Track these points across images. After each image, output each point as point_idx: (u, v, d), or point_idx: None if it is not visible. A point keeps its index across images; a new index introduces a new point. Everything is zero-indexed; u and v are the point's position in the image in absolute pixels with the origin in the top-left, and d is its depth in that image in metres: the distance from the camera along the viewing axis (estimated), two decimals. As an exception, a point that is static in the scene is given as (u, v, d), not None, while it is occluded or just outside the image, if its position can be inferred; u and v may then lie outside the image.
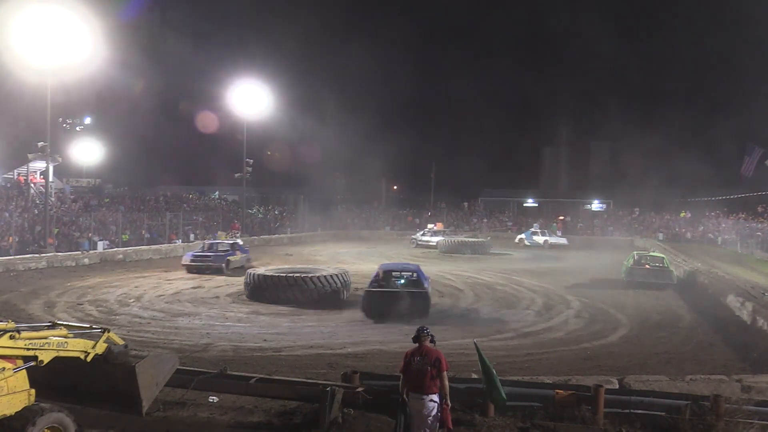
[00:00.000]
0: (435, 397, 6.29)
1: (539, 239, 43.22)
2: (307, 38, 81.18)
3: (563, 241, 43.40)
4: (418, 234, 43.28)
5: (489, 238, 42.37)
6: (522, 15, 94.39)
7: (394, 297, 15.04)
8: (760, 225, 39.78)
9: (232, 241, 27.85)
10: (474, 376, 8.11)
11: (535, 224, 48.49)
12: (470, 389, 7.67)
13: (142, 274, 23.71)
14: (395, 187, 74.51)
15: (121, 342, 6.67)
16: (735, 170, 47.01)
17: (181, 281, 21.78)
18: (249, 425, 7.65)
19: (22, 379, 5.85)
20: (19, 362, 5.82)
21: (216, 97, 42.95)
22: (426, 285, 16.32)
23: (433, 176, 65.66)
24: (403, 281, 16.34)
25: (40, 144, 28.84)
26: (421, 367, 6.29)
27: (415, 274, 16.53)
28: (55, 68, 26.57)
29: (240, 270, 23.20)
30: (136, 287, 20.24)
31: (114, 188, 52.87)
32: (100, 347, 6.32)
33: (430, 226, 46.60)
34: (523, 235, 44.77)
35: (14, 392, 5.75)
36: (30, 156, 35.16)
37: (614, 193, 59.60)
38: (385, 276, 16.55)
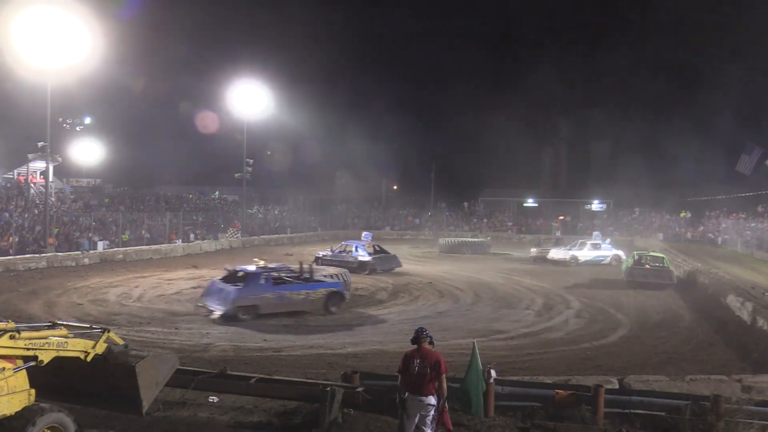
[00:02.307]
0: (433, 399, 6.32)
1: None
2: (308, 38, 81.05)
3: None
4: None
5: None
6: (523, 15, 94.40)
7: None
8: (760, 225, 39.73)
9: None
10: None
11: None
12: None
13: (142, 274, 23.67)
14: (395, 187, 74.39)
15: (121, 342, 6.67)
16: (735, 170, 46.89)
17: (181, 281, 21.77)
18: (249, 425, 7.66)
19: (22, 379, 5.85)
20: (19, 362, 5.82)
21: (216, 97, 42.89)
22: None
23: (433, 176, 65.56)
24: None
25: (40, 144, 28.85)
26: (420, 370, 6.31)
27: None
28: (55, 68, 26.55)
29: None
30: (136, 287, 20.22)
31: (114, 188, 52.83)
32: (100, 347, 6.32)
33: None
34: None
35: (14, 392, 5.75)
36: (30, 156, 35.24)
37: (614, 193, 59.47)
38: None
